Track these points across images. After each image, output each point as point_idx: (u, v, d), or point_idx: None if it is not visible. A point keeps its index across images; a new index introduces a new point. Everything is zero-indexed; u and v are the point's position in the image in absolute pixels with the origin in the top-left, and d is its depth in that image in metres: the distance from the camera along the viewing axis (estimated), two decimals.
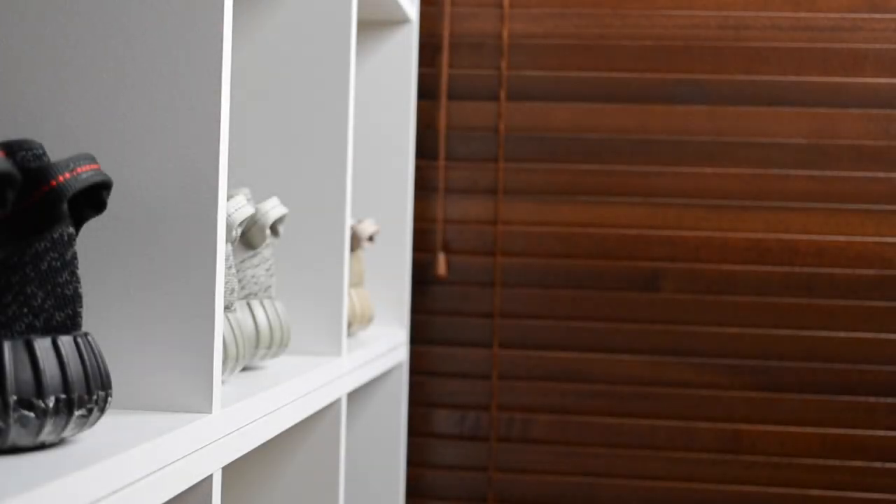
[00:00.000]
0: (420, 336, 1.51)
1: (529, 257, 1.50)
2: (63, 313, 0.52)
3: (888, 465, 1.44)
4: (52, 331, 0.52)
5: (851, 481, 1.44)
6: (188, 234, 0.64)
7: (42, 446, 0.52)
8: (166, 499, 0.56)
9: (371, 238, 1.23)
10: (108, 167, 0.64)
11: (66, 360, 0.50)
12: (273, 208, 0.88)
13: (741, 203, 1.46)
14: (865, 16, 1.45)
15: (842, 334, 1.45)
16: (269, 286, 0.89)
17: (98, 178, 0.53)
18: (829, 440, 1.45)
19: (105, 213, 0.64)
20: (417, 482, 1.52)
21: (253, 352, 0.86)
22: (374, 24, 1.43)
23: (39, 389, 0.49)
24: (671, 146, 1.48)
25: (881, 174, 1.45)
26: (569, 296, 1.49)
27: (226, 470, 1.01)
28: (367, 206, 1.42)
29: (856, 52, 1.45)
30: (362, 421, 1.42)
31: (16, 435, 0.49)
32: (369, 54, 1.43)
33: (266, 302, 0.88)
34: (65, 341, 0.51)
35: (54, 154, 0.64)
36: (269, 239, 0.90)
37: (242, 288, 0.87)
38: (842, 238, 1.45)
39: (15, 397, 0.48)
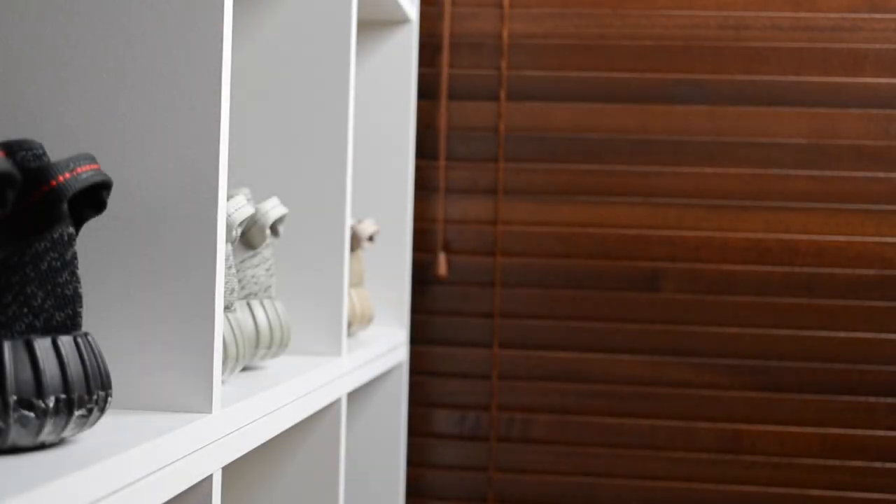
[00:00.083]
0: (420, 336, 1.51)
1: (529, 257, 1.50)
2: (63, 313, 0.52)
3: (888, 465, 1.44)
4: (52, 331, 0.52)
5: (851, 481, 1.44)
6: (188, 234, 0.64)
7: (42, 446, 0.52)
8: (166, 499, 0.56)
9: (371, 238, 1.23)
10: (108, 167, 0.64)
11: (66, 360, 0.50)
12: (273, 208, 0.88)
13: (741, 203, 1.46)
14: (865, 16, 1.45)
15: (842, 334, 1.45)
16: (269, 286, 0.89)
17: (98, 178, 0.53)
18: (829, 440, 1.45)
19: (105, 213, 0.64)
20: (417, 482, 1.52)
21: (253, 352, 0.86)
22: (374, 24, 1.43)
23: (39, 389, 0.49)
24: (671, 146, 1.48)
25: (881, 174, 1.45)
26: (569, 296, 1.49)
27: (226, 470, 1.01)
28: (367, 206, 1.42)
29: (856, 52, 1.45)
30: (362, 421, 1.42)
31: (16, 435, 0.49)
32: (369, 54, 1.43)
33: (266, 302, 0.88)
34: (65, 341, 0.51)
35: (54, 154, 0.64)
36: (269, 239, 0.90)
37: (242, 288, 0.87)
38: (842, 238, 1.45)
39: (15, 397, 0.48)
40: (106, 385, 0.53)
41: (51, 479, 0.44)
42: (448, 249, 1.51)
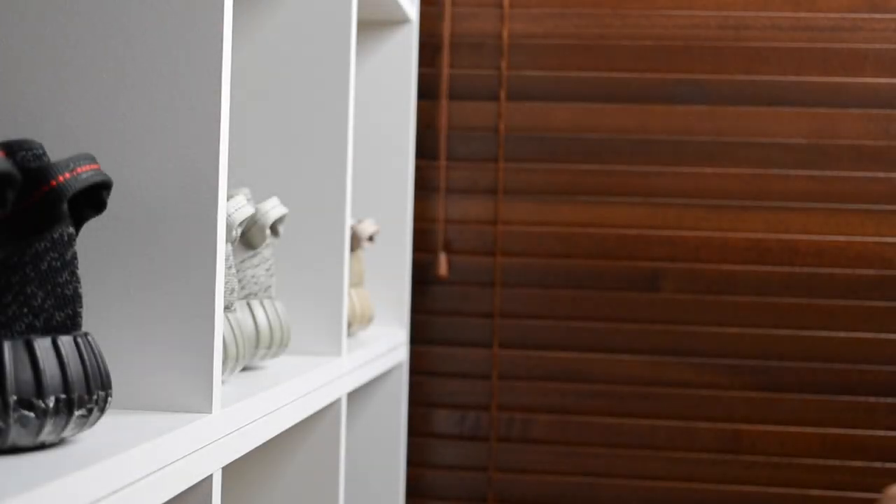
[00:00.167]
0: (420, 336, 1.51)
1: (529, 257, 1.50)
2: (63, 313, 0.52)
3: (888, 465, 1.44)
4: (52, 331, 0.52)
5: (851, 481, 1.44)
6: (188, 234, 0.64)
7: (42, 446, 0.52)
8: (166, 499, 0.56)
9: (371, 238, 1.23)
10: (108, 167, 0.64)
11: (66, 360, 0.50)
12: (273, 208, 0.88)
13: (741, 203, 1.46)
14: (865, 16, 1.45)
15: (842, 334, 1.45)
16: (269, 286, 0.89)
17: (98, 178, 0.53)
18: (829, 440, 1.45)
19: (105, 213, 0.64)
20: (417, 482, 1.52)
21: (253, 352, 0.86)
22: (374, 24, 1.43)
23: (39, 389, 0.49)
24: (671, 146, 1.48)
25: (881, 174, 1.45)
26: (569, 296, 1.49)
27: (226, 470, 1.01)
28: (367, 206, 1.42)
29: (856, 52, 1.45)
30: (362, 421, 1.42)
31: (16, 435, 0.49)
32: (369, 54, 1.43)
33: (266, 302, 0.88)
34: (65, 341, 0.51)
35: (54, 154, 0.64)
36: (269, 239, 0.90)
37: (242, 288, 0.87)
38: (842, 238, 1.45)
39: (15, 397, 0.48)
40: (106, 385, 0.53)
41: (51, 479, 0.44)
42: (448, 249, 1.51)
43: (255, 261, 0.88)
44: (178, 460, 0.58)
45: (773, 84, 1.46)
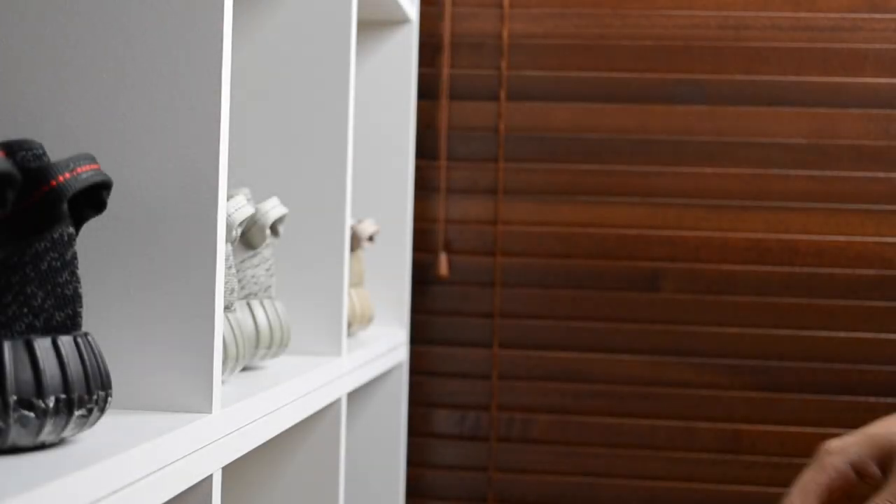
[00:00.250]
0: (420, 336, 1.51)
1: (529, 257, 1.50)
2: (63, 313, 0.52)
3: None
4: (52, 331, 0.52)
5: None
6: (188, 234, 0.64)
7: (42, 446, 0.52)
8: (166, 499, 0.56)
9: (371, 238, 1.23)
10: (108, 167, 0.64)
11: (66, 360, 0.50)
12: (273, 208, 0.88)
13: (741, 203, 1.46)
14: (865, 16, 1.45)
15: (842, 334, 1.45)
16: (269, 286, 0.89)
17: (98, 178, 0.53)
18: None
19: (105, 213, 0.64)
20: (417, 482, 1.52)
21: (253, 352, 0.86)
22: (374, 24, 1.43)
23: (39, 389, 0.49)
24: (671, 146, 1.48)
25: (881, 174, 1.45)
26: (569, 296, 1.49)
27: (226, 470, 1.01)
28: (367, 206, 1.42)
29: (856, 52, 1.45)
30: (362, 421, 1.42)
31: (16, 435, 0.49)
32: (369, 54, 1.43)
33: (266, 302, 0.88)
34: (65, 341, 0.51)
35: (54, 154, 0.64)
36: (269, 239, 0.90)
37: (242, 288, 0.87)
38: (842, 238, 1.45)
39: (15, 397, 0.48)
40: (106, 385, 0.53)
41: (51, 479, 0.44)
42: (448, 249, 1.51)
43: (255, 261, 0.88)
44: (178, 460, 0.58)
45: (773, 84, 1.46)
